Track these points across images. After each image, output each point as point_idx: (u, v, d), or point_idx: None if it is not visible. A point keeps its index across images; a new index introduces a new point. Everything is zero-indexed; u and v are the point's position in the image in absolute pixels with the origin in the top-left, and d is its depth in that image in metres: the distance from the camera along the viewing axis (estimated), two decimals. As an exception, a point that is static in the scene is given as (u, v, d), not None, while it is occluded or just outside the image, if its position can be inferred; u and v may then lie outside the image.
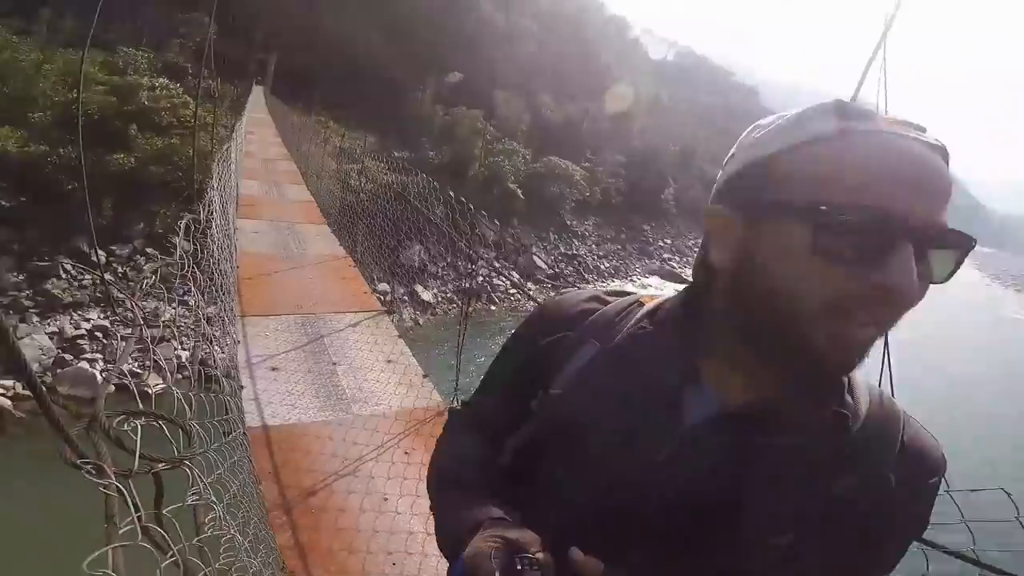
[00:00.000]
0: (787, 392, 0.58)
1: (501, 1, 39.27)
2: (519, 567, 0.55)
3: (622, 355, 0.66)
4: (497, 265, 16.23)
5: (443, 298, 15.78)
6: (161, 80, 15.57)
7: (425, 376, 3.85)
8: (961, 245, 0.51)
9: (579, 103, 36.98)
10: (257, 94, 26.49)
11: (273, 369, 3.71)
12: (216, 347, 3.34)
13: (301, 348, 4.10)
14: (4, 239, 10.27)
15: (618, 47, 54.24)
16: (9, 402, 8.13)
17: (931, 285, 0.52)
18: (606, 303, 0.73)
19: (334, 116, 25.92)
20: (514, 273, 18.70)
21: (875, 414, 0.61)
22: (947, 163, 0.51)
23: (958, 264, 0.52)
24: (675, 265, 29.96)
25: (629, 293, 0.76)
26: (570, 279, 20.76)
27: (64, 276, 10.57)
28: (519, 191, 23.83)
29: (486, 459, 0.75)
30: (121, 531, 0.72)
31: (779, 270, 0.52)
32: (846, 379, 0.61)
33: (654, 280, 26.07)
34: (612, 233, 29.63)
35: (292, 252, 6.33)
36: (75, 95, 12.69)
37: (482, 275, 15.74)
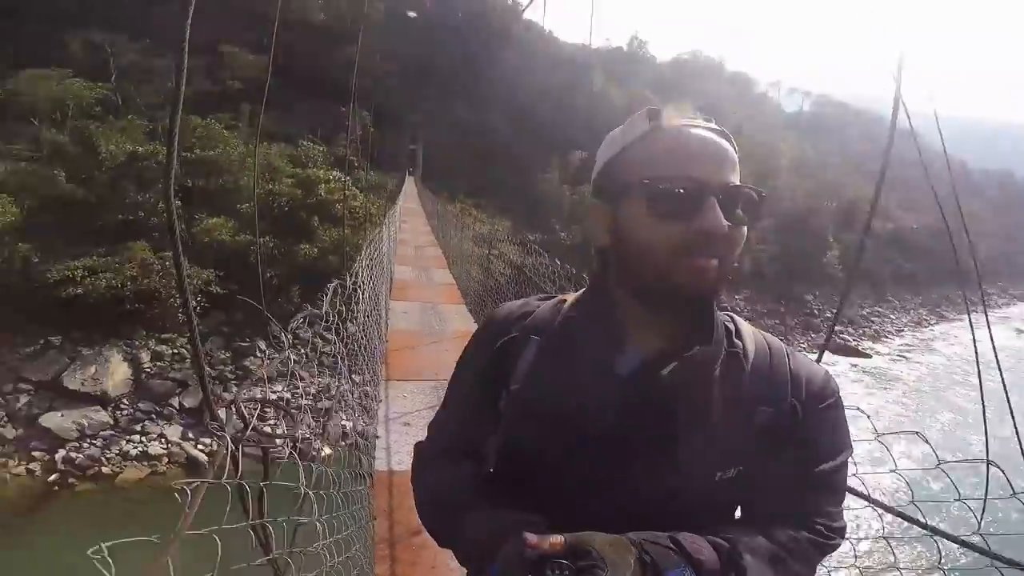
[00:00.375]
0: (684, 335, 0.71)
1: (612, 73, 40.23)
2: (551, 572, 0.56)
3: (560, 343, 0.79)
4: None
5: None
6: (334, 173, 17.23)
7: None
8: (755, 197, 0.69)
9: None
10: (409, 184, 29.13)
11: (405, 424, 4.08)
12: (355, 399, 3.79)
13: (431, 407, 4.46)
14: (218, 322, 12.72)
15: (745, 105, 52.45)
16: (207, 457, 9.64)
17: None
18: (538, 306, 0.86)
19: (475, 203, 28.02)
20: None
21: (762, 351, 0.76)
22: (731, 142, 0.70)
23: (757, 211, 0.69)
24: (848, 338, 25.70)
25: (553, 296, 0.90)
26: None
27: (259, 355, 12.67)
28: (655, 270, 23.24)
29: (474, 474, 0.81)
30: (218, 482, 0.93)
31: (635, 233, 0.69)
32: (734, 326, 0.77)
33: (825, 356, 22.99)
34: (769, 306, 27.10)
35: (433, 328, 6.93)
36: (271, 187, 14.44)
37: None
